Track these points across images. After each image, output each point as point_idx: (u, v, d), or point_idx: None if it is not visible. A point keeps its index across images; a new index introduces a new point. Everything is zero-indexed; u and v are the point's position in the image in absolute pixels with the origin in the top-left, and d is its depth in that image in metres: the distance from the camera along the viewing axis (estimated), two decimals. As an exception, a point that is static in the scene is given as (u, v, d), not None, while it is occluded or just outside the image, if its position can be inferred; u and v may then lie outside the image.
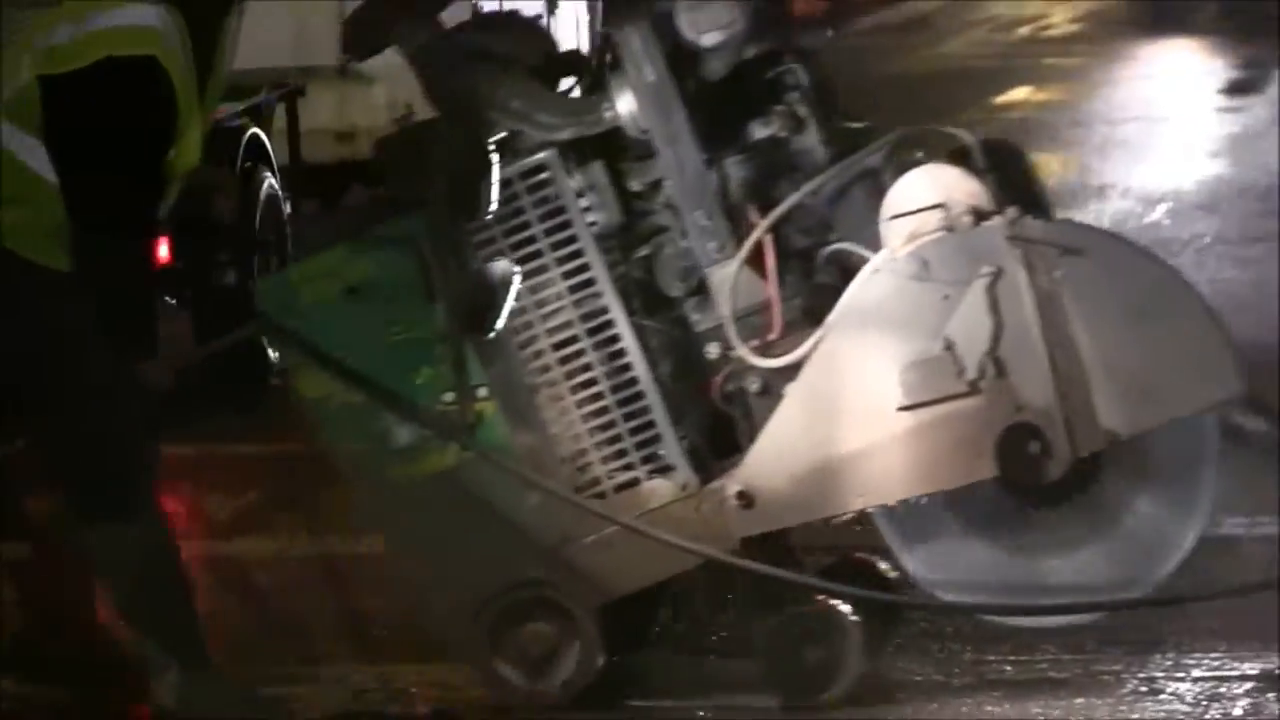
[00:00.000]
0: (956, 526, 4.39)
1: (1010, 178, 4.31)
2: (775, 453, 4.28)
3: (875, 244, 4.24)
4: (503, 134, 4.30)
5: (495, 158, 4.22)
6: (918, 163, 4.22)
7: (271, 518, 6.59)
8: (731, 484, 4.26)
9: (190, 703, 4.16)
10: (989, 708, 4.25)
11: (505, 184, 4.26)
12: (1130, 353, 4.25)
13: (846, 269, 4.33)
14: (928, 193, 4.23)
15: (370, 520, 4.59)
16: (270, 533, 6.25)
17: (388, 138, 4.76)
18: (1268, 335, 7.29)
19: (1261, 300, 7.98)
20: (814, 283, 4.41)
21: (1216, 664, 4.43)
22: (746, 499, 4.26)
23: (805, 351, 4.24)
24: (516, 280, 4.17)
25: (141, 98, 3.92)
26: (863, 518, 4.41)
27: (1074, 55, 17.37)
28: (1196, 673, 4.34)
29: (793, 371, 4.27)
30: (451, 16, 4.32)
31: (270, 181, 7.55)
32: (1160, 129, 12.47)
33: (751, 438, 4.31)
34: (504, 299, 4.12)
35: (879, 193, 4.29)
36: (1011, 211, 4.11)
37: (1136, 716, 4.18)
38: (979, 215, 4.17)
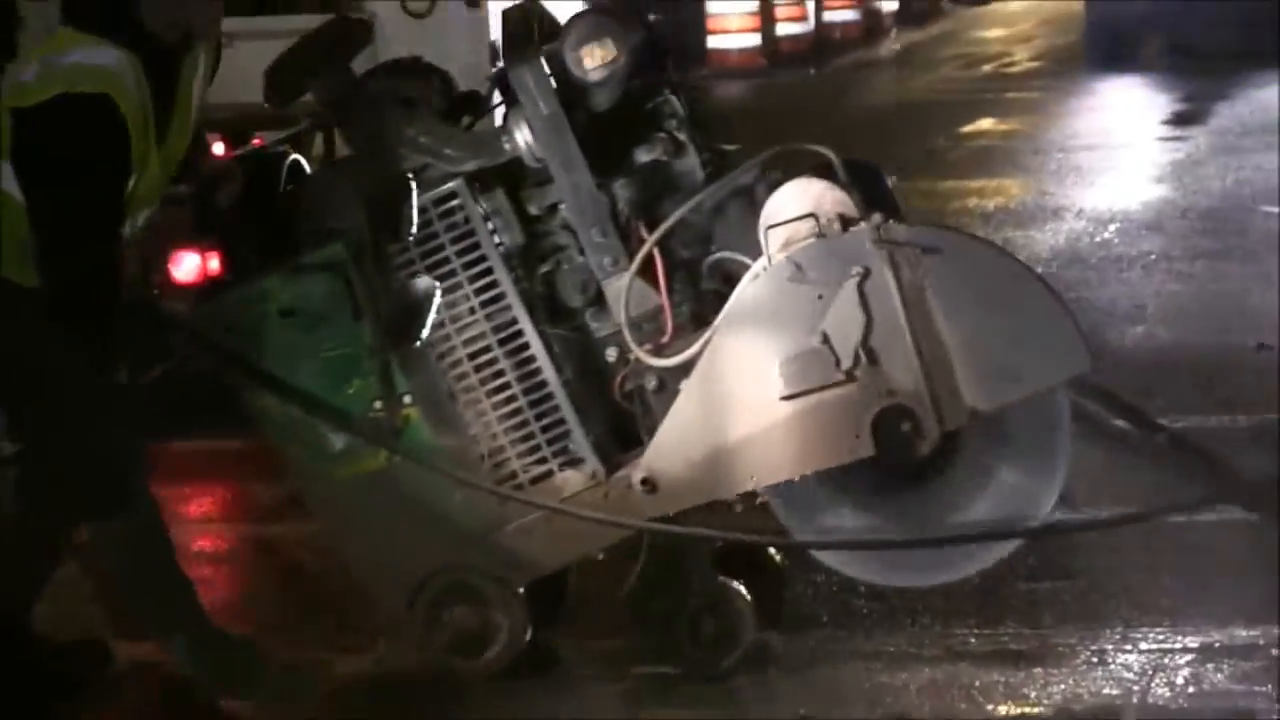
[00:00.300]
0: (840, 501, 4.60)
1: (869, 190, 4.51)
2: (673, 442, 4.46)
3: (754, 252, 4.42)
4: (414, 167, 4.48)
5: (411, 188, 4.41)
6: (784, 179, 4.41)
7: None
8: (636, 472, 4.44)
9: (206, 664, 4.52)
10: (957, 677, 4.54)
11: (421, 211, 4.44)
12: (987, 337, 4.44)
13: (729, 276, 4.50)
14: (799, 204, 4.39)
15: (317, 512, 4.82)
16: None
17: (310, 176, 5.06)
18: (1205, 339, 7.71)
19: (1201, 310, 8.36)
20: (700, 290, 4.59)
21: (1161, 638, 4.68)
22: (650, 484, 4.45)
23: (695, 351, 4.41)
24: (438, 295, 4.36)
25: (94, 130, 4.14)
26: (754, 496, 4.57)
27: (1033, 89, 17.94)
28: (1143, 645, 4.63)
29: (685, 370, 4.45)
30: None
31: None
32: (1110, 156, 12.92)
33: (651, 430, 4.49)
34: (427, 312, 4.34)
35: (754, 206, 4.45)
36: (876, 217, 4.28)
37: (1088, 685, 4.43)
38: (846, 222, 4.34)
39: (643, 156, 4.61)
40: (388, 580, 4.67)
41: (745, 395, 4.46)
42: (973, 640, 4.76)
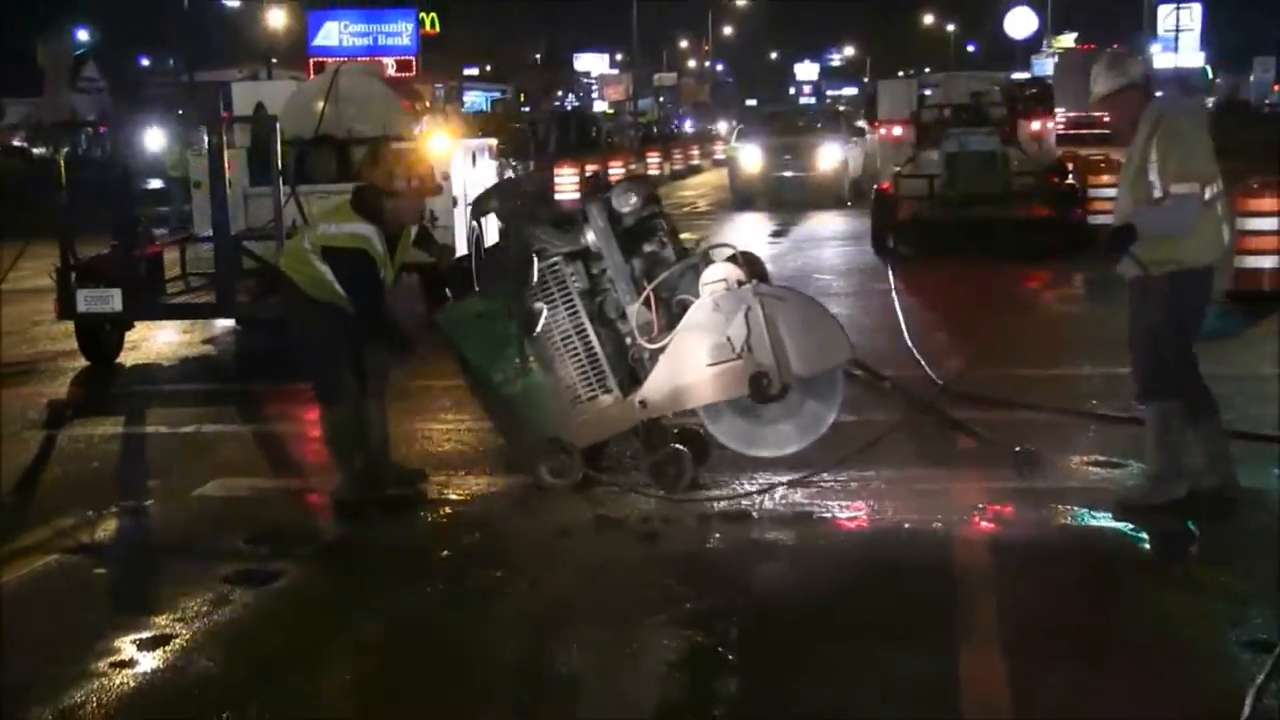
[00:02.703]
0: (733, 412, 8.11)
1: (753, 266, 8.02)
2: (655, 384, 8.01)
3: (696, 296, 7.92)
4: (539, 248, 8.03)
5: (534, 259, 7.97)
6: (710, 261, 7.98)
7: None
8: (637, 397, 8.04)
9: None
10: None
11: (540, 271, 8.04)
12: (803, 340, 7.90)
13: (685, 307, 8.01)
14: (719, 274, 7.96)
15: (489, 412, 8.48)
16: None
17: (489, 251, 8.87)
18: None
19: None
20: (671, 313, 8.05)
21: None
22: (644, 404, 8.05)
23: (667, 341, 7.95)
24: (546, 312, 7.92)
25: (362, 265, 7.87)
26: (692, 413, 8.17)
27: (708, 219, 29.10)
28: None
29: (662, 350, 7.97)
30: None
31: None
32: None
33: (644, 378, 8.06)
34: (538, 321, 7.89)
35: (697, 274, 7.97)
36: (755, 282, 7.87)
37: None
38: (740, 282, 7.88)
39: (647, 248, 8.28)
40: (519, 441, 8.32)
41: (689, 363, 7.99)
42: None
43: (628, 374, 8.25)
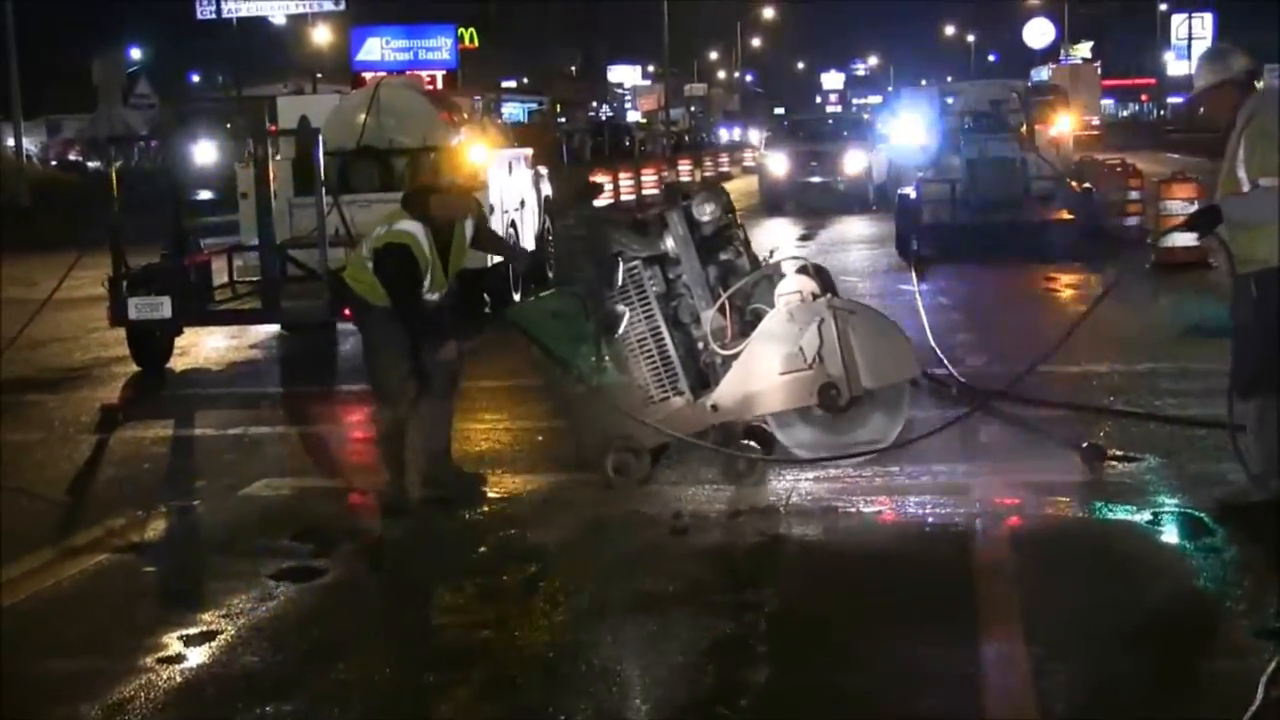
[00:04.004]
0: (801, 421, 8.18)
1: (824, 280, 8.11)
2: (727, 390, 8.04)
3: (771, 306, 8.00)
4: (619, 250, 8.08)
5: (618, 261, 8.00)
6: (783, 274, 8.01)
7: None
8: (709, 401, 8.08)
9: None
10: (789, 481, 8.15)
11: (621, 274, 8.07)
12: (872, 355, 7.97)
13: (758, 316, 8.08)
14: (795, 285, 8.04)
15: (562, 408, 8.53)
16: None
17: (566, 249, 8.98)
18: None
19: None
20: (745, 321, 8.12)
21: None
22: (715, 407, 8.09)
23: (741, 348, 7.99)
24: (627, 314, 7.96)
25: (402, 260, 7.96)
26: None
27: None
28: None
29: (735, 356, 8.03)
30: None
31: None
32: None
33: (717, 383, 8.09)
34: (620, 322, 7.93)
35: (772, 285, 8.05)
36: (829, 295, 7.95)
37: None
38: (815, 296, 7.97)
39: (723, 256, 8.36)
40: (589, 438, 8.31)
41: (762, 370, 8.05)
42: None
43: (698, 378, 8.34)
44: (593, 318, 8.16)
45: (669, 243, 8.27)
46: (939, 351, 11.35)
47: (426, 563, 7.43)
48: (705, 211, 8.28)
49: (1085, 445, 8.53)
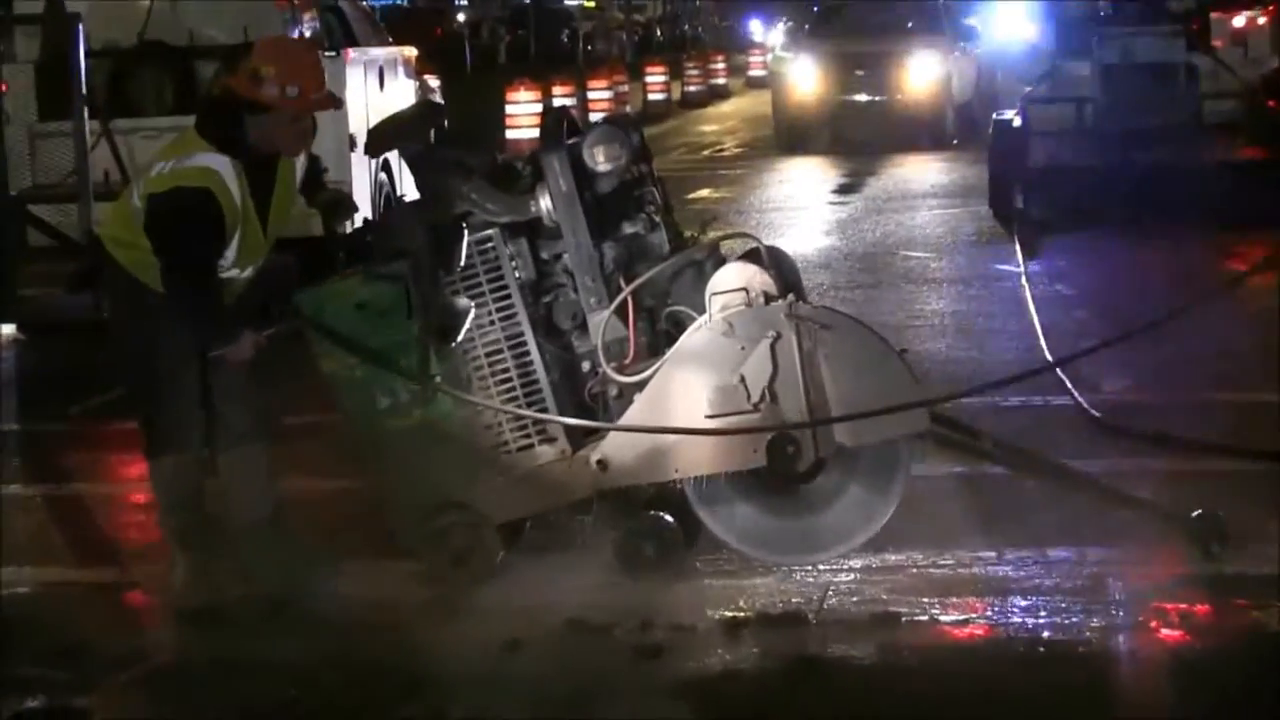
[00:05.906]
0: (736, 495, 6.05)
1: (785, 272, 6.10)
2: (623, 439, 5.97)
3: (699, 309, 5.94)
4: (464, 214, 5.98)
5: (463, 230, 5.90)
6: (727, 259, 5.96)
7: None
8: (594, 454, 5.98)
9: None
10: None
11: (465, 247, 5.95)
12: (857, 394, 5.94)
13: (679, 323, 6.09)
14: (737, 279, 5.97)
15: (363, 449, 6.30)
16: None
17: (388, 210, 6.56)
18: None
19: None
20: (657, 330, 6.14)
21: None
22: (603, 465, 5.99)
23: (649, 374, 5.96)
24: (472, 312, 5.88)
25: (194, 211, 5.83)
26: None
27: (738, 168, 23.26)
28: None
29: (639, 385, 5.97)
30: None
31: None
32: (793, 215, 17.37)
33: (606, 424, 5.97)
34: (462, 323, 5.84)
35: (703, 276, 6.03)
36: (790, 298, 5.88)
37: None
38: (768, 297, 5.91)
39: (627, 229, 6.24)
40: (407, 505, 6.11)
41: (681, 410, 5.96)
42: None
43: (581, 415, 6.33)
44: (419, 315, 6.07)
45: (544, 203, 6.17)
46: (1060, 371, 8.91)
47: (241, 704, 5.66)
48: (604, 155, 6.18)
49: (1197, 515, 6.52)
